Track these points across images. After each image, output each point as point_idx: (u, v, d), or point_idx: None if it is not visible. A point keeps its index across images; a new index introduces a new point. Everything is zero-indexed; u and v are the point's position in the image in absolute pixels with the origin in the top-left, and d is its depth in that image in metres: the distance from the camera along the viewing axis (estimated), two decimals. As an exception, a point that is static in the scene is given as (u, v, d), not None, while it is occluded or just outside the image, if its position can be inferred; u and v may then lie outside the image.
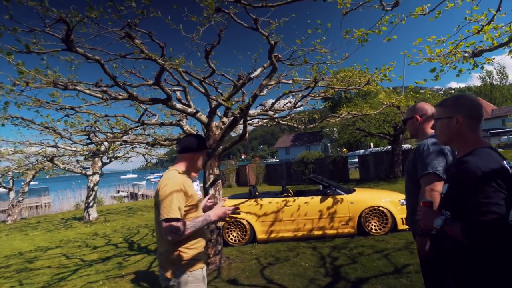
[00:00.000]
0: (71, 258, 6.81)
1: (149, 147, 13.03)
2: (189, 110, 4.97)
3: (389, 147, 18.27)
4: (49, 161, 12.60)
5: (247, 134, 4.78)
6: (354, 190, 6.67)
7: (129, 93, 3.81)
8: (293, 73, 5.56)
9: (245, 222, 6.30)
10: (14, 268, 6.34)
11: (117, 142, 5.99)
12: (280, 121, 6.42)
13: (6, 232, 12.66)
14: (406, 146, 23.52)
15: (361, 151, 25.95)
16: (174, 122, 6.14)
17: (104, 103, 6.08)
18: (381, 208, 6.02)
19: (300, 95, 5.25)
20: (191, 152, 2.17)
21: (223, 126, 5.33)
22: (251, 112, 5.59)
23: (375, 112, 6.54)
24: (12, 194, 17.59)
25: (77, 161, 15.33)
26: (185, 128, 5.54)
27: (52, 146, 10.46)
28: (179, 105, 4.83)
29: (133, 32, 3.31)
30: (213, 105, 4.85)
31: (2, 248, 8.84)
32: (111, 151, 12.68)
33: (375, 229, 6.00)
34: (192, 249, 2.02)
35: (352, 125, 17.65)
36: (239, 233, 6.33)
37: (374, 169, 18.89)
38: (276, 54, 4.41)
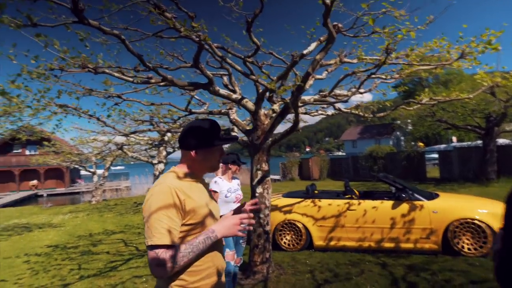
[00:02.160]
0: (129, 245, 6.89)
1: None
2: (234, 96, 4.35)
3: (479, 142, 15.37)
4: (119, 149, 13.53)
5: (300, 124, 3.97)
6: (438, 196, 5.35)
7: (161, 75, 3.33)
8: (359, 51, 4.53)
9: (300, 225, 5.52)
10: (80, 250, 6.64)
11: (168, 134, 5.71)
12: (342, 109, 5.41)
13: (88, 212, 13.96)
14: (502, 141, 19.76)
15: (442, 146, 22.64)
16: (223, 111, 5.62)
17: (154, 91, 5.89)
18: (476, 221, 4.65)
19: (367, 76, 4.18)
20: (191, 148, 1.50)
21: (273, 115, 4.60)
22: (306, 98, 4.73)
23: (471, 96, 5.03)
24: (95, 178, 19.60)
25: (146, 150, 16.27)
26: (231, 117, 4.96)
27: (123, 135, 10.93)
28: (222, 91, 4.24)
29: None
30: (260, 90, 4.14)
31: (79, 227, 9.59)
32: (172, 141, 12.96)
33: (468, 249, 4.66)
34: (192, 286, 1.37)
35: (431, 116, 15.20)
36: (293, 236, 5.59)
37: (459, 168, 16.16)
38: (335, 23, 3.50)
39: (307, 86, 4.79)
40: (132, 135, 10.41)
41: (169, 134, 12.17)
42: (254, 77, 3.68)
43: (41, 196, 28.97)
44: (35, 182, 33.19)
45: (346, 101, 4.26)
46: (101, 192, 19.39)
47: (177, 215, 1.33)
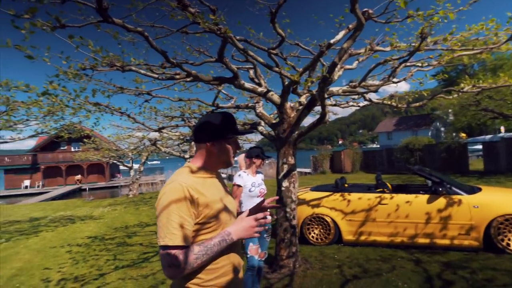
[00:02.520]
0: (162, 237, 7.16)
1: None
2: (259, 89, 4.32)
3: (531, 131, 14.05)
4: (153, 145, 14.06)
5: (328, 116, 3.85)
6: (480, 190, 4.98)
7: (186, 71, 3.38)
8: (392, 38, 4.28)
9: (328, 219, 5.41)
10: (116, 241, 7.02)
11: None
12: (373, 100, 5.17)
13: (125, 205, 14.71)
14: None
15: (487, 137, 21.03)
16: (249, 104, 5.62)
17: (183, 87, 6.01)
18: (524, 217, 4.28)
19: (399, 63, 3.92)
20: (204, 141, 1.49)
21: (299, 108, 4.51)
22: (334, 89, 4.58)
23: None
24: (132, 172, 20.58)
25: (178, 145, 16.77)
26: (258, 111, 4.93)
27: (156, 131, 11.34)
28: (248, 84, 4.23)
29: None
30: (286, 83, 4.07)
31: (116, 220, 10.14)
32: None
33: (514, 246, 4.32)
34: (208, 284, 1.37)
35: (476, 104, 14.18)
36: (321, 231, 5.49)
37: (506, 160, 14.96)
38: (365, 9, 3.32)
39: (336, 77, 4.64)
40: (163, 131, 10.76)
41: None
42: (277, 69, 3.61)
43: (84, 190, 31.06)
44: (79, 176, 35.62)
45: (375, 91, 4.06)
46: (138, 186, 20.33)
47: (190, 214, 1.32)
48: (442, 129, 43.80)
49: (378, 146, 53.90)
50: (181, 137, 13.49)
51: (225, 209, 1.46)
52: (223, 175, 30.02)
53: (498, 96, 12.65)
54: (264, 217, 1.46)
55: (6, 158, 34.55)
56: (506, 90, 11.55)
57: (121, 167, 29.95)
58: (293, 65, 3.98)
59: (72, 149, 35.70)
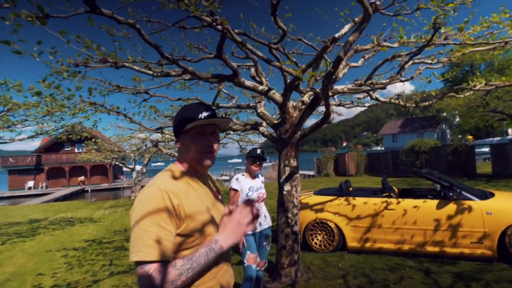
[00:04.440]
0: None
1: (241, 134, 12.91)
2: (260, 88, 4.11)
3: (542, 134, 13.68)
4: (155, 146, 13.91)
5: (333, 116, 3.63)
6: (493, 195, 4.71)
7: (182, 67, 3.18)
8: (400, 34, 4.05)
9: (332, 225, 5.17)
10: (114, 245, 6.83)
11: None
12: (380, 99, 4.93)
13: (127, 207, 14.56)
14: None
15: (495, 139, 20.60)
16: (251, 104, 5.40)
17: (183, 86, 5.82)
18: (542, 225, 4.01)
19: (409, 58, 3.67)
20: (176, 136, 1.32)
21: (302, 107, 4.29)
22: (339, 87, 4.36)
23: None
24: (134, 174, 20.47)
25: (180, 146, 16.56)
26: (259, 111, 4.72)
27: (155, 131, 11.13)
28: (248, 82, 4.02)
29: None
30: (288, 80, 3.85)
31: (116, 223, 9.97)
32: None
33: (531, 256, 4.04)
34: None
35: (484, 105, 13.84)
36: (325, 237, 5.25)
37: (516, 163, 14.58)
38: (372, 0, 3.11)
39: (341, 74, 4.41)
40: (165, 132, 10.56)
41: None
42: (277, 63, 3.39)
43: (87, 191, 31.02)
44: (82, 178, 35.66)
45: (383, 88, 3.82)
46: (140, 187, 20.20)
47: (170, 223, 1.10)
48: (448, 131, 43.30)
49: (383, 148, 53.39)
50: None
51: (212, 221, 1.24)
52: (226, 177, 29.73)
53: (507, 97, 12.33)
54: (251, 207, 1.24)
55: (10, 159, 34.72)
56: (516, 91, 11.25)
57: (124, 169, 29.91)
58: (295, 61, 3.76)
59: (76, 150, 35.75)
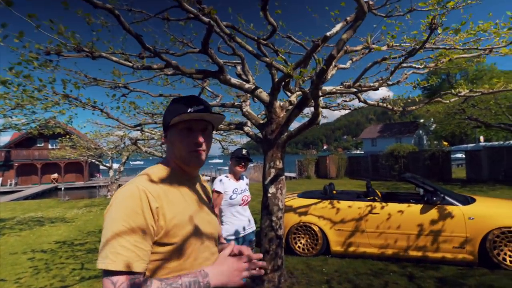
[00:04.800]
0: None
1: (224, 133, 12.67)
2: (247, 86, 3.94)
3: (512, 141, 14.31)
4: (134, 144, 13.43)
5: (320, 117, 3.52)
6: (474, 200, 4.76)
7: (165, 60, 2.97)
8: (388, 36, 4.01)
9: (316, 228, 5.07)
10: (86, 247, 6.45)
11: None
12: (369, 102, 4.88)
13: (102, 206, 13.97)
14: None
15: (469, 145, 21.42)
16: (236, 104, 5.23)
17: (166, 82, 5.57)
18: (522, 230, 4.06)
19: (404, 58, 3.61)
20: (164, 131, 1.16)
21: (290, 107, 4.17)
22: (328, 88, 4.27)
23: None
24: (111, 172, 19.73)
25: (161, 145, 16.14)
26: (244, 110, 4.56)
27: (133, 128, 10.79)
28: (234, 80, 3.84)
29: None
30: (276, 78, 3.71)
31: (90, 223, 9.49)
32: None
33: (511, 261, 4.09)
34: None
35: (461, 113, 14.33)
36: (308, 240, 5.14)
37: (489, 169, 15.18)
38: (366, 0, 3.02)
39: (329, 76, 4.33)
40: (145, 129, 10.19)
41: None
42: (267, 59, 3.24)
43: (60, 189, 29.72)
44: (55, 175, 34.12)
45: (377, 89, 3.75)
46: (117, 186, 19.50)
47: (146, 228, 0.93)
48: (425, 137, 44.78)
49: (362, 152, 54.60)
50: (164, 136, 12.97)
51: (196, 231, 1.06)
52: (207, 177, 29.20)
53: (482, 105, 12.79)
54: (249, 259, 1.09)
55: (-24, 154, 32.75)
56: (491, 99, 11.66)
57: (101, 167, 28.88)
58: (284, 59, 3.63)
59: (50, 146, 34.17)
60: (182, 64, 4.18)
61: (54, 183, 33.04)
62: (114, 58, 3.06)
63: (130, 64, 3.15)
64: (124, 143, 14.48)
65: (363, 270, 4.34)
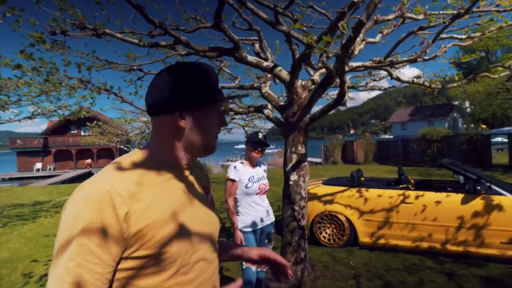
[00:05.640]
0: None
1: (247, 118, 12.39)
2: (265, 64, 3.60)
3: None
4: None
5: (346, 97, 3.12)
6: (526, 189, 4.19)
7: (173, 36, 2.70)
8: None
9: (343, 218, 4.73)
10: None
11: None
12: (402, 80, 4.37)
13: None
14: None
15: (512, 128, 19.76)
16: (255, 85, 4.90)
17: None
18: None
19: (445, 26, 3.08)
20: (168, 111, 0.83)
21: (312, 87, 3.79)
22: (355, 64, 3.82)
23: None
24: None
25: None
26: (263, 91, 4.23)
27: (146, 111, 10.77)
28: (251, 58, 3.51)
29: None
30: (297, 55, 3.33)
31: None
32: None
33: None
34: None
35: (504, 92, 13.04)
36: (334, 230, 4.83)
37: (535, 153, 13.85)
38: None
39: (356, 51, 3.85)
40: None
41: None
42: (284, 28, 2.87)
43: (93, 174, 31.11)
44: (89, 160, 35.77)
45: (415, 61, 3.27)
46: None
47: (108, 250, 0.67)
48: (460, 120, 42.07)
49: (392, 136, 52.43)
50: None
51: (182, 233, 0.78)
52: (232, 164, 28.96)
53: (531, 84, 11.55)
54: None
55: (18, 141, 34.92)
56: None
57: (130, 152, 29.97)
58: (305, 30, 3.23)
59: (82, 133, 35.72)
60: (196, 42, 3.90)
61: (88, 168, 34.69)
62: (118, 35, 2.82)
63: (136, 41, 2.91)
64: (149, 128, 14.64)
65: (395, 265, 3.97)
